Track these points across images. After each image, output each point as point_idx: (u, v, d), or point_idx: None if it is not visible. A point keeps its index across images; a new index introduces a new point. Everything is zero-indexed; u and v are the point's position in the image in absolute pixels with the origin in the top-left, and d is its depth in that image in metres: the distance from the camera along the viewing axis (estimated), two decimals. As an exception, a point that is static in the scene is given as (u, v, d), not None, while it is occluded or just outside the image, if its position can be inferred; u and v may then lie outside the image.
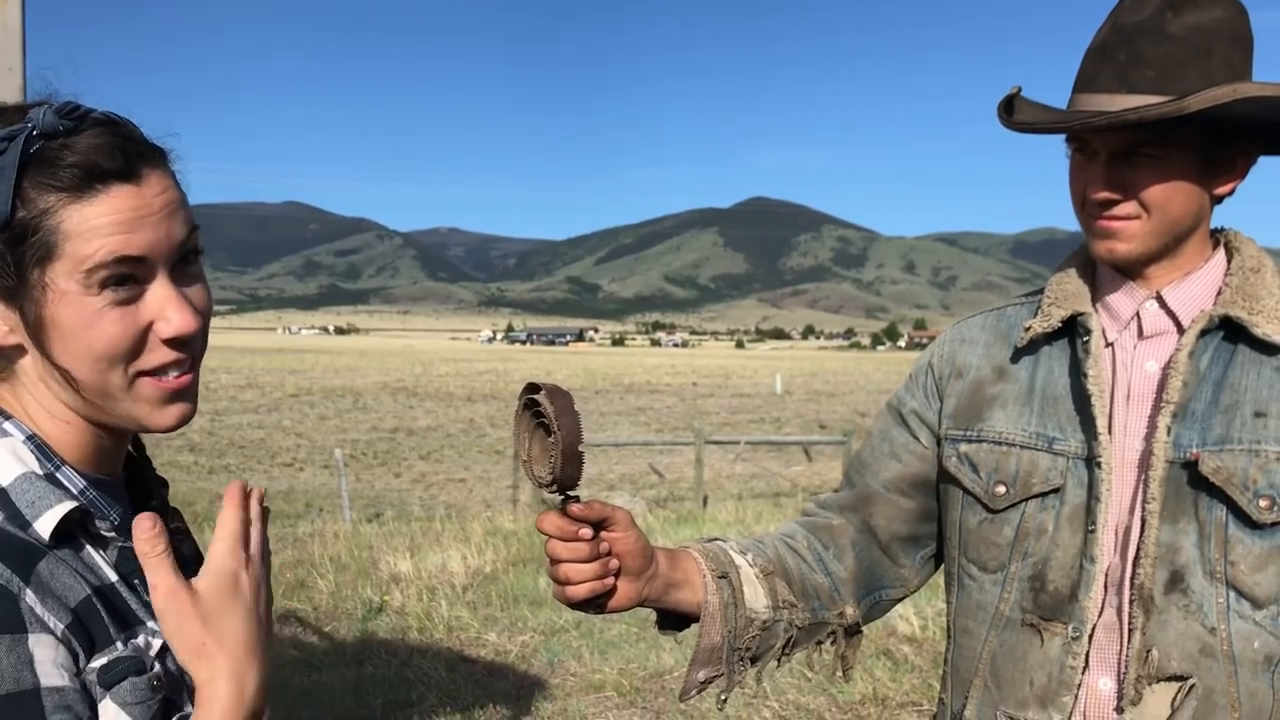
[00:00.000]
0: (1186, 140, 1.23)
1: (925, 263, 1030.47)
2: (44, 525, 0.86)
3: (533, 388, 1.18)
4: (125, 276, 0.88)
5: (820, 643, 1.47)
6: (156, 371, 0.92)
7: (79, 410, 0.93)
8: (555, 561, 1.23)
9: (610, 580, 1.24)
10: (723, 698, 1.39)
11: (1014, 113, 1.33)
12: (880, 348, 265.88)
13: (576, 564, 1.21)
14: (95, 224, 0.86)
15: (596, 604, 1.26)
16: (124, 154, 0.89)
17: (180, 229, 0.92)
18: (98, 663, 0.85)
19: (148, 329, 0.91)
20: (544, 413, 1.15)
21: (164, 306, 0.91)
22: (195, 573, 1.07)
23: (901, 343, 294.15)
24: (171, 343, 0.92)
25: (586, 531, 1.21)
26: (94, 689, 0.84)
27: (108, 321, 0.88)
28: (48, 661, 0.80)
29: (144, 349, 0.91)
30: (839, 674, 1.50)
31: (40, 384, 0.92)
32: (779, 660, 1.43)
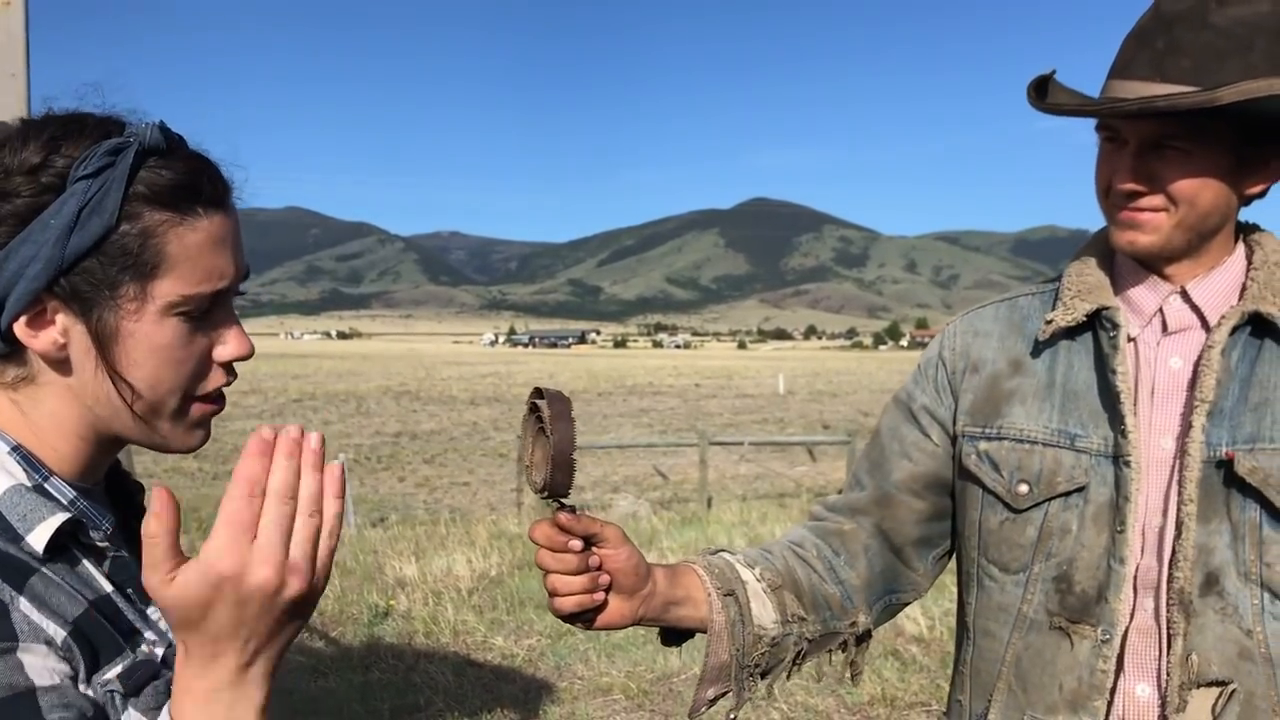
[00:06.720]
0: (1218, 135, 1.19)
1: (926, 262, 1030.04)
2: (37, 539, 0.84)
3: (537, 393, 1.17)
4: (207, 306, 0.91)
5: (830, 651, 1.44)
6: (210, 396, 0.94)
7: (98, 427, 0.92)
8: (545, 572, 1.20)
9: (600, 595, 1.21)
10: (732, 715, 1.37)
11: (1046, 95, 1.29)
12: (882, 347, 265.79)
13: (565, 576, 1.19)
14: (194, 251, 0.88)
15: (585, 618, 1.23)
16: (216, 182, 0.91)
17: (242, 259, 0.95)
18: (114, 671, 0.83)
19: (209, 352, 0.93)
20: (542, 418, 1.15)
21: (224, 331, 0.94)
22: None
23: (904, 342, 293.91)
24: (226, 367, 0.94)
25: (576, 544, 1.18)
26: (115, 699, 0.83)
27: (183, 343, 0.90)
28: (39, 666, 0.78)
29: (207, 372, 0.93)
30: (848, 678, 1.48)
31: (64, 398, 0.90)
32: (789, 673, 1.41)
